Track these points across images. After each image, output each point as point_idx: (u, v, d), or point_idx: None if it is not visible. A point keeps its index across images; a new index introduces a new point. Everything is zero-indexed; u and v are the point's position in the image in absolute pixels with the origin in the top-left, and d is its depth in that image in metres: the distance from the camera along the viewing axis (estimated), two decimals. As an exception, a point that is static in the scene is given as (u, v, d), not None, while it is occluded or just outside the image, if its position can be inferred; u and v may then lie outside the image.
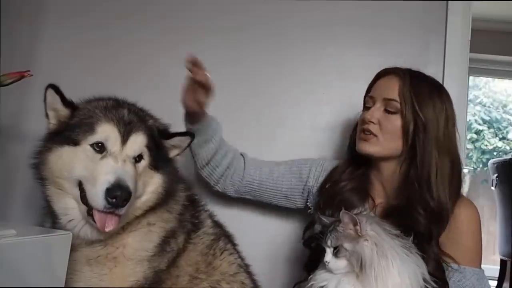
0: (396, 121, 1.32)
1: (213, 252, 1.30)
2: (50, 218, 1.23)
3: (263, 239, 1.73)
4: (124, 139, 1.13)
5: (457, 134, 1.36)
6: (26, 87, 1.47)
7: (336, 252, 1.09)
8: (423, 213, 1.25)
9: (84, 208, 1.11)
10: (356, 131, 1.43)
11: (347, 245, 1.08)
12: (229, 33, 1.87)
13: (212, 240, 1.32)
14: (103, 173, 1.08)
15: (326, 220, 1.18)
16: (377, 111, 1.34)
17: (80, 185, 1.12)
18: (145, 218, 1.21)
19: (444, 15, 1.83)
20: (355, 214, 1.10)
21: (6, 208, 1.73)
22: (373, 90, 1.40)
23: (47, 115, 1.19)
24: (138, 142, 1.16)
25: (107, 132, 1.13)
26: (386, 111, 1.33)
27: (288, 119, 1.83)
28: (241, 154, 1.59)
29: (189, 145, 1.31)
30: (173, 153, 1.29)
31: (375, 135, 1.33)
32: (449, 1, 1.83)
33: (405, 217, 1.24)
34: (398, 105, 1.32)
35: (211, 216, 1.41)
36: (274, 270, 1.70)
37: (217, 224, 1.42)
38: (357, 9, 1.84)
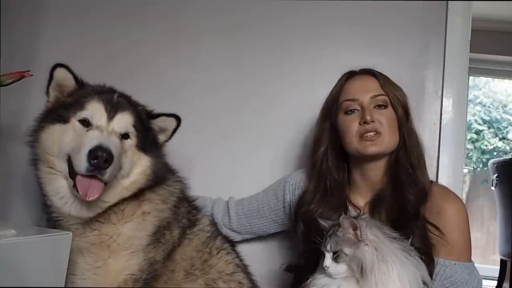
0: (390, 114, 1.36)
1: (209, 250, 1.31)
2: (44, 213, 1.24)
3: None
4: (110, 116, 1.20)
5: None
6: (26, 87, 1.47)
7: (336, 257, 1.08)
8: (413, 192, 1.31)
9: (71, 182, 1.15)
10: (321, 147, 1.43)
11: (347, 250, 1.07)
12: (229, 33, 1.87)
13: (207, 238, 1.33)
14: (88, 140, 1.13)
15: (325, 224, 1.17)
16: (371, 110, 1.35)
17: (69, 159, 1.15)
18: (140, 208, 1.24)
19: (444, 15, 1.83)
20: (354, 218, 1.10)
21: (6, 208, 1.73)
22: (353, 93, 1.39)
23: (47, 93, 1.26)
24: (124, 120, 1.22)
25: (94, 109, 1.19)
26: (375, 107, 1.36)
27: (289, 119, 1.82)
28: (226, 201, 1.66)
29: (175, 130, 1.34)
30: (161, 138, 1.33)
31: (379, 133, 1.34)
32: (449, 1, 1.83)
33: (396, 200, 1.31)
34: (387, 98, 1.36)
35: (209, 216, 1.43)
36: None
37: (215, 223, 1.44)
38: (357, 9, 1.84)
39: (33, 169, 1.23)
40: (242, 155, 1.82)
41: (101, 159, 1.09)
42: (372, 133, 1.33)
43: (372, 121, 1.33)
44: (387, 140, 1.34)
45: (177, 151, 1.65)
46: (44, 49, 1.83)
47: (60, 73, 1.25)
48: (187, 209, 1.35)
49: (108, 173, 1.12)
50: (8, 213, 1.73)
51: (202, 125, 1.79)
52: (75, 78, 1.26)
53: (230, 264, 1.33)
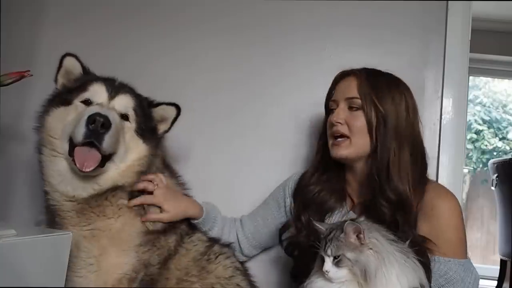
0: (360, 118, 1.34)
1: (207, 257, 1.32)
2: (44, 204, 1.25)
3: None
4: (111, 96, 1.24)
5: (420, 122, 1.40)
6: (26, 87, 1.47)
7: (338, 262, 1.07)
8: (386, 205, 1.27)
9: (70, 159, 1.17)
10: (322, 138, 1.46)
11: (349, 255, 1.06)
12: (230, 34, 1.86)
13: (206, 247, 1.34)
14: (87, 112, 1.16)
15: (321, 227, 1.16)
16: (342, 111, 1.36)
17: (70, 140, 1.18)
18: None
19: (444, 15, 1.83)
20: (353, 219, 1.10)
21: (6, 208, 1.73)
22: (335, 94, 1.42)
23: (56, 81, 1.31)
24: (124, 101, 1.26)
25: (95, 89, 1.24)
26: (350, 109, 1.36)
27: (289, 119, 1.82)
28: (240, 220, 1.63)
29: (175, 119, 1.35)
30: (161, 128, 1.35)
31: (347, 137, 1.34)
32: (449, 1, 1.83)
33: (373, 211, 1.28)
34: (359, 101, 1.34)
35: None
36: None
37: None
38: (357, 9, 1.84)
39: (37, 156, 1.26)
40: (243, 156, 1.82)
41: (98, 123, 1.12)
42: (341, 139, 1.35)
43: (339, 122, 1.35)
44: (354, 144, 1.34)
45: (178, 151, 1.65)
46: (44, 49, 1.83)
47: (69, 61, 1.31)
48: None
49: (105, 141, 1.13)
50: (8, 213, 1.73)
51: (203, 126, 1.80)
52: (83, 67, 1.32)
53: (228, 268, 1.33)
